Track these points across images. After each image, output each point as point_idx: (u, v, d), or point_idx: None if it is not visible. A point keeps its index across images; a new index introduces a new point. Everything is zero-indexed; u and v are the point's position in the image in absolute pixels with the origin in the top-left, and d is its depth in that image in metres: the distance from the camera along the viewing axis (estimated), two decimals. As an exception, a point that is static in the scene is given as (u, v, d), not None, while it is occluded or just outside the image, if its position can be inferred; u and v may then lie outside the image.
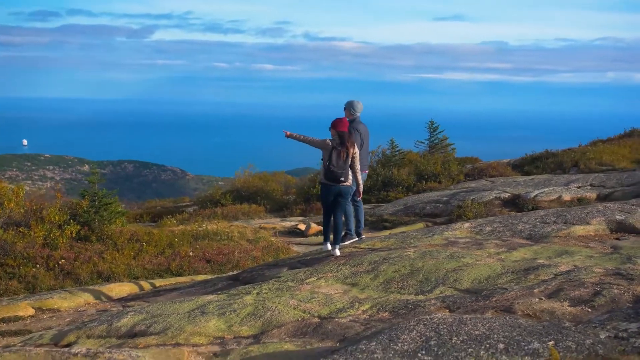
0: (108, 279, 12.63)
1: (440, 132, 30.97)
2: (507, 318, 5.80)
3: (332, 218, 9.82)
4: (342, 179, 9.48)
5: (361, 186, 10.03)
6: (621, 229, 9.75)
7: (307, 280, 8.35)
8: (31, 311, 9.49)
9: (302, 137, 9.82)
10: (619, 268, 7.53)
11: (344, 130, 9.56)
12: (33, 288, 12.10)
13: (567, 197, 17.16)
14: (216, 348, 6.57)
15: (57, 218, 14.45)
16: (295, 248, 15.45)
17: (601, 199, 17.04)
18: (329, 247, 9.81)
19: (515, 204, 17.47)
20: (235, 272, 11.64)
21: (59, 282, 12.46)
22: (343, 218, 10.08)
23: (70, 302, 9.99)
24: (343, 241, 10.24)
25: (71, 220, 14.75)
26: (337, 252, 9.66)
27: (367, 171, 10.90)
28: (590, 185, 18.59)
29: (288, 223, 19.94)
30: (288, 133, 9.83)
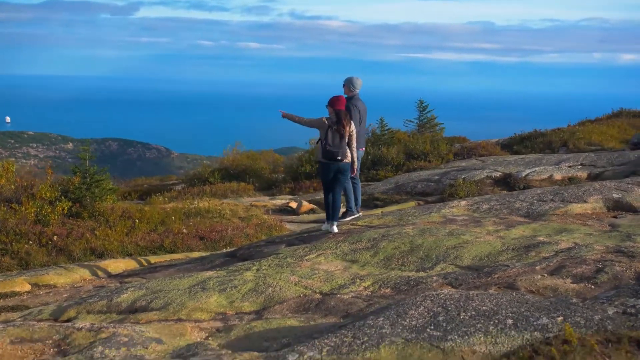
0: (101, 256, 12.56)
1: (429, 111, 30.96)
2: (514, 294, 5.81)
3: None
4: (339, 157, 9.51)
5: (357, 163, 10.04)
6: (618, 207, 9.79)
7: (306, 257, 8.33)
8: (27, 287, 9.42)
9: (297, 117, 9.80)
10: (619, 245, 7.56)
11: (341, 108, 9.55)
12: (26, 264, 12.02)
13: (558, 176, 17.22)
14: (218, 324, 6.54)
15: (48, 194, 14.33)
16: (288, 226, 15.43)
17: (592, 178, 17.11)
18: (334, 226, 9.82)
19: (507, 182, 17.52)
20: (231, 249, 11.60)
21: (52, 259, 12.38)
22: (343, 196, 10.08)
23: (66, 278, 9.93)
24: (344, 217, 10.24)
25: (62, 197, 14.63)
26: (335, 229, 9.68)
27: (364, 148, 10.89)
28: (581, 164, 18.66)
29: (279, 201, 19.91)
30: (284, 113, 9.80)
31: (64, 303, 8.02)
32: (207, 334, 6.22)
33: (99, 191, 15.23)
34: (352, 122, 9.64)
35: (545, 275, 6.74)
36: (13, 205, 13.59)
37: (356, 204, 10.55)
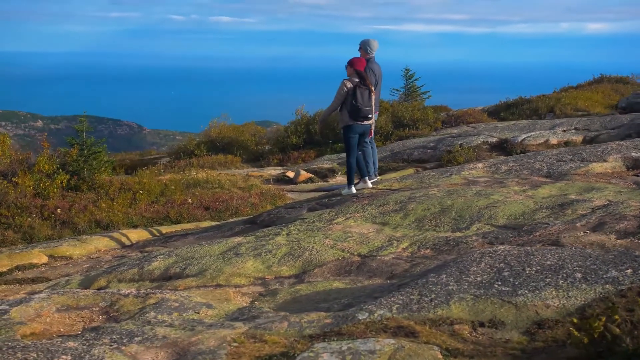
0: (107, 228, 12.35)
1: (415, 80, 30.85)
2: (574, 249, 5.74)
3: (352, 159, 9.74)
4: (370, 116, 9.51)
5: (374, 126, 9.98)
6: (637, 165, 9.77)
7: (335, 221, 8.21)
8: (45, 259, 9.21)
9: (326, 112, 9.88)
10: (653, 201, 7.53)
11: (361, 69, 9.44)
12: (30, 238, 11.78)
13: (554, 140, 17.22)
14: (259, 288, 6.42)
15: (46, 167, 14.02)
16: (289, 195, 15.28)
17: (587, 141, 17.13)
18: (354, 190, 9.77)
19: (503, 148, 17.49)
20: (244, 218, 11.45)
21: (57, 232, 12.14)
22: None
23: (81, 249, 9.73)
24: (363, 184, 10.14)
25: (60, 170, 14.34)
26: (354, 190, 9.68)
27: (378, 112, 10.78)
28: (575, 129, 18.68)
29: (274, 171, 19.75)
30: (319, 127, 10.05)
31: (90, 273, 7.84)
32: (251, 299, 6.09)
33: (97, 163, 14.95)
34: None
35: (588, 231, 6.68)
36: (15, 179, 13.27)
37: (375, 168, 10.44)
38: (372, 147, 10.27)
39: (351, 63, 9.54)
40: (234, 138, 28.53)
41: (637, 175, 9.25)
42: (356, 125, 9.60)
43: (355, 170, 10.00)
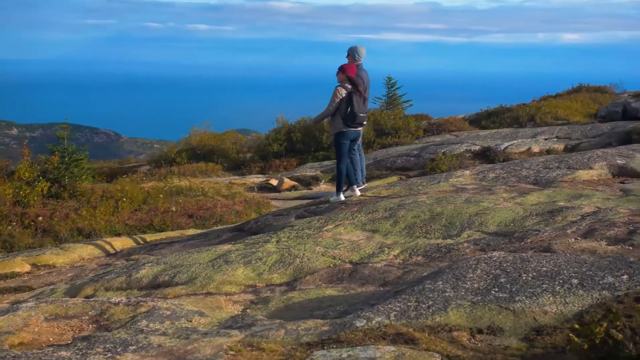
0: (89, 236, 12.19)
1: (398, 88, 30.91)
2: (569, 255, 5.73)
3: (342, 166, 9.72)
4: (365, 123, 9.53)
5: (362, 133, 10.02)
6: (622, 173, 9.82)
7: (325, 228, 8.15)
8: (27, 267, 9.07)
9: (321, 117, 9.83)
10: (642, 208, 7.56)
11: (352, 76, 9.44)
12: (10, 247, 11.59)
13: (536, 148, 17.31)
14: (250, 296, 6.35)
15: (27, 175, 13.84)
16: (274, 203, 15.20)
17: (568, 150, 17.23)
18: (342, 197, 9.76)
19: (486, 156, 17.54)
20: (231, 225, 11.36)
21: (38, 240, 11.96)
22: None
23: (65, 257, 9.59)
24: (351, 192, 10.10)
25: (41, 177, 14.16)
26: (342, 197, 9.68)
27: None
28: (557, 137, 18.79)
29: (256, 179, 19.67)
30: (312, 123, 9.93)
31: (76, 281, 7.73)
32: (243, 307, 6.02)
33: (78, 171, 14.79)
34: None
35: (579, 238, 6.69)
36: (-5, 186, 13.10)
37: (363, 175, 10.41)
38: (359, 154, 10.25)
39: (342, 69, 9.54)
40: (215, 146, 28.39)
41: (623, 183, 9.30)
42: (349, 131, 9.59)
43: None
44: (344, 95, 9.42)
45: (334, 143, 9.80)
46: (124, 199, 13.86)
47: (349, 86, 9.45)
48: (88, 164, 16.08)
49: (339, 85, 9.52)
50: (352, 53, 9.99)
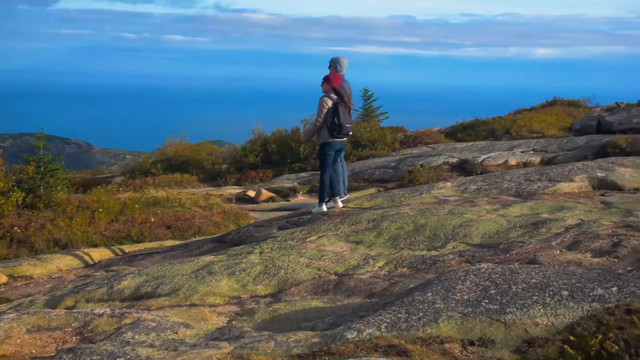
0: (65, 247, 12.02)
1: (374, 100, 31.00)
2: (557, 267, 5.73)
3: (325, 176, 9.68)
4: (350, 133, 9.50)
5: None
6: (603, 185, 9.88)
7: (308, 239, 8.10)
8: (4, 278, 8.89)
9: (313, 131, 9.71)
10: (625, 221, 7.60)
11: (337, 86, 9.42)
12: (-15, 258, 11.38)
13: (513, 161, 17.43)
14: (235, 308, 6.27)
15: (1, 185, 13.61)
16: (252, 214, 15.12)
17: (545, 162, 17.38)
18: (325, 207, 9.72)
19: (464, 168, 17.61)
20: (212, 236, 11.25)
21: (13, 251, 11.77)
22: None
23: (42, 269, 9.43)
24: (332, 204, 10.04)
25: (15, 187, 13.94)
26: (325, 208, 9.64)
27: None
28: (533, 150, 18.94)
29: (233, 190, 19.56)
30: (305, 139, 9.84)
31: (55, 292, 7.58)
32: (228, 318, 5.95)
33: (54, 181, 14.59)
34: None
35: (564, 250, 6.71)
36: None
37: (344, 186, 10.36)
38: (342, 166, 10.21)
39: (327, 79, 9.51)
40: (191, 157, 28.24)
41: (603, 195, 9.35)
42: (335, 142, 9.55)
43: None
44: (330, 105, 9.39)
45: (319, 153, 9.75)
46: (101, 210, 13.68)
47: (334, 96, 9.42)
48: (64, 174, 15.86)
49: (324, 96, 9.48)
50: (334, 64, 9.96)
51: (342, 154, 10.04)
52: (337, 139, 9.53)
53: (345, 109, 9.46)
